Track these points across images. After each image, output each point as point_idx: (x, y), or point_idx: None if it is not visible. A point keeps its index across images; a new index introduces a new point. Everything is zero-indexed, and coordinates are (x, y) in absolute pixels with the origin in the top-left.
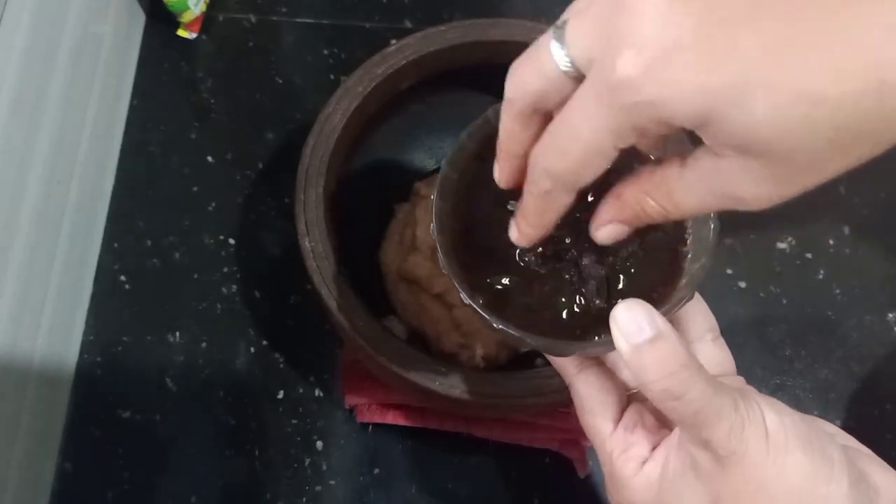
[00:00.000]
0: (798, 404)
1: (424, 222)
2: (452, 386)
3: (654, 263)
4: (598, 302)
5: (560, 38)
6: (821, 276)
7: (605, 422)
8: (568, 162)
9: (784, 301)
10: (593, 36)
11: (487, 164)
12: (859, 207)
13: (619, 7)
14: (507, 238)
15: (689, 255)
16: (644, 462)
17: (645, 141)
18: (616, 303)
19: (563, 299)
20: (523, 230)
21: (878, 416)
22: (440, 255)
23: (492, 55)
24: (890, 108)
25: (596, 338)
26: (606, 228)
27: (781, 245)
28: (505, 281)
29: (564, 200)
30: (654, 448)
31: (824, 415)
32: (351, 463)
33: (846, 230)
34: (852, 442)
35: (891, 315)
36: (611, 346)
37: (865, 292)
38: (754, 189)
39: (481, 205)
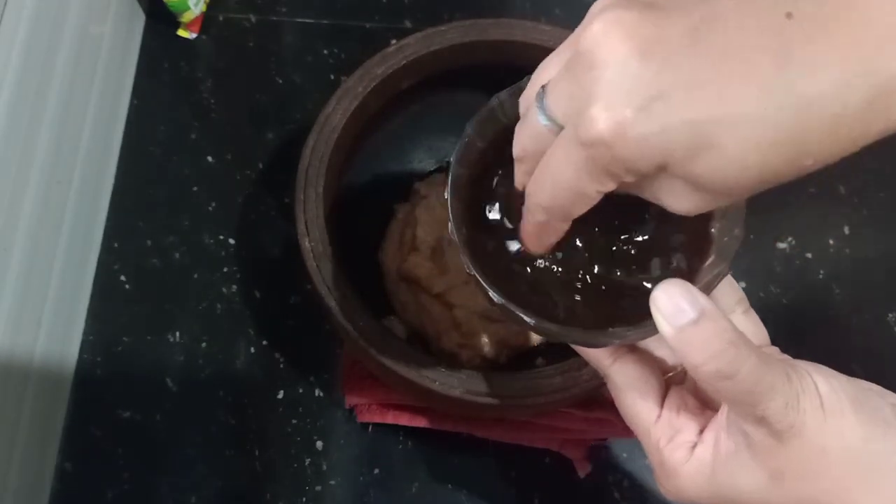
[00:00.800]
0: None
1: (424, 222)
2: (452, 386)
3: (679, 236)
4: (622, 276)
5: (541, 100)
6: (821, 276)
7: (648, 411)
8: (557, 199)
9: (784, 301)
10: (567, 96)
11: (496, 158)
12: (859, 207)
13: (587, 68)
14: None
15: (717, 225)
16: (693, 447)
17: (623, 185)
18: (644, 279)
19: (583, 286)
20: (528, 248)
21: None
22: (463, 257)
23: (492, 55)
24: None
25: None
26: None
27: (781, 245)
28: (527, 273)
29: (561, 227)
30: (701, 431)
31: None
32: (351, 463)
33: (846, 230)
34: (893, 398)
35: (891, 315)
36: (652, 330)
37: (865, 292)
38: (678, 202)
39: (496, 199)
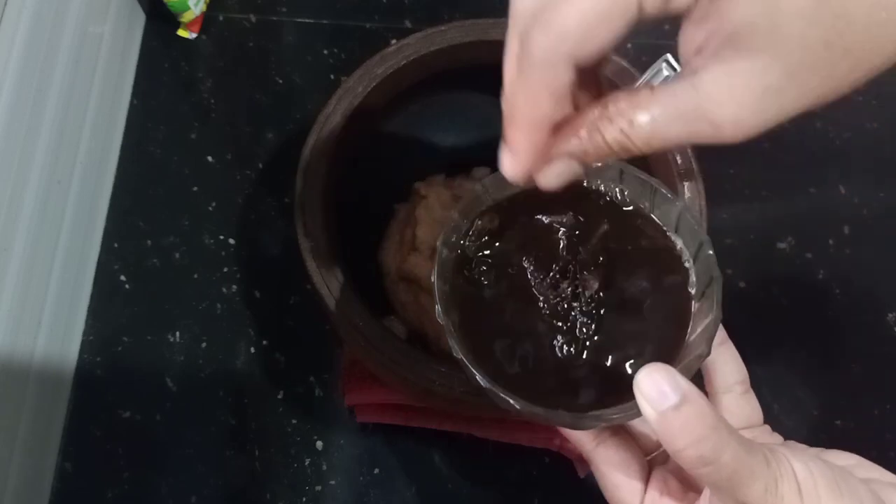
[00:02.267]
0: (798, 405)
1: (424, 222)
2: (452, 386)
3: (660, 315)
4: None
5: None
6: (821, 276)
7: (631, 495)
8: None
9: (784, 301)
10: None
11: (470, 271)
12: (859, 207)
13: None
14: (511, 315)
15: (696, 306)
16: None
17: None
18: (626, 362)
19: (568, 368)
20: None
21: (877, 416)
22: (451, 341)
23: (492, 55)
24: None
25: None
26: (553, 167)
27: (781, 245)
28: (514, 356)
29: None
30: None
31: (825, 415)
32: (351, 463)
33: (846, 230)
34: (872, 472)
35: (891, 315)
36: (635, 413)
37: (865, 292)
38: (733, 108)
39: (483, 280)
